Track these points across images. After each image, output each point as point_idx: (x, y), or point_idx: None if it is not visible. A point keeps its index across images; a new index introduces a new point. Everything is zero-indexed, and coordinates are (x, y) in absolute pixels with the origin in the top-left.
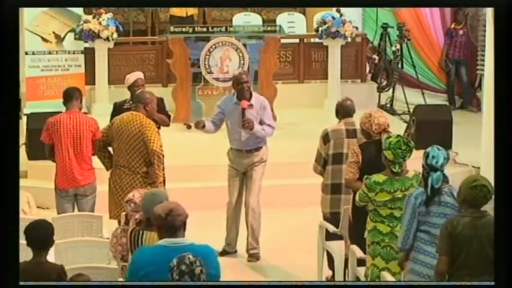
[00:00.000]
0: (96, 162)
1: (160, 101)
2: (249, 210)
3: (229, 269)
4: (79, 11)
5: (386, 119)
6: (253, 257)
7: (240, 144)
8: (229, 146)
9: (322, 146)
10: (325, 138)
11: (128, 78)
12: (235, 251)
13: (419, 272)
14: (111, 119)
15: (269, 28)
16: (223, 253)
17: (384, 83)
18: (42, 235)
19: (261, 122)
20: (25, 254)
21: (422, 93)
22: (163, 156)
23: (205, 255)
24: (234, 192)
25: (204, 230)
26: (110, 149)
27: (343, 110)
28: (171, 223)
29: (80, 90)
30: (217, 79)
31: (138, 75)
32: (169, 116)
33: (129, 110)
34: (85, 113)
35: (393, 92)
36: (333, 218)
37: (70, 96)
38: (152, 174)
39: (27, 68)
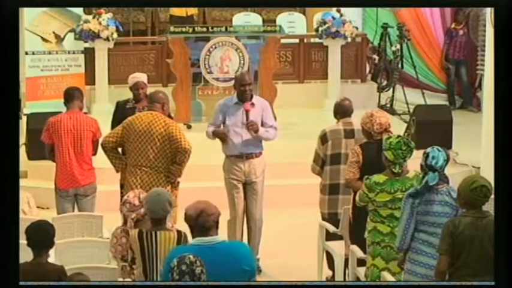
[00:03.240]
0: (96, 162)
1: None
2: (254, 223)
3: None
4: (79, 11)
5: (388, 119)
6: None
7: (240, 148)
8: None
9: (320, 146)
10: (323, 138)
11: (131, 79)
12: None
13: (418, 272)
14: (114, 117)
15: (269, 28)
16: None
17: (384, 83)
18: (43, 236)
19: (263, 124)
20: (25, 254)
21: (422, 93)
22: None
23: (239, 252)
24: (239, 206)
25: None
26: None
27: (341, 110)
28: (202, 224)
29: (80, 90)
30: (217, 79)
31: (140, 77)
32: (170, 117)
33: (132, 109)
34: (85, 113)
35: (393, 92)
36: (330, 218)
37: (71, 96)
38: (176, 172)
39: (27, 68)
